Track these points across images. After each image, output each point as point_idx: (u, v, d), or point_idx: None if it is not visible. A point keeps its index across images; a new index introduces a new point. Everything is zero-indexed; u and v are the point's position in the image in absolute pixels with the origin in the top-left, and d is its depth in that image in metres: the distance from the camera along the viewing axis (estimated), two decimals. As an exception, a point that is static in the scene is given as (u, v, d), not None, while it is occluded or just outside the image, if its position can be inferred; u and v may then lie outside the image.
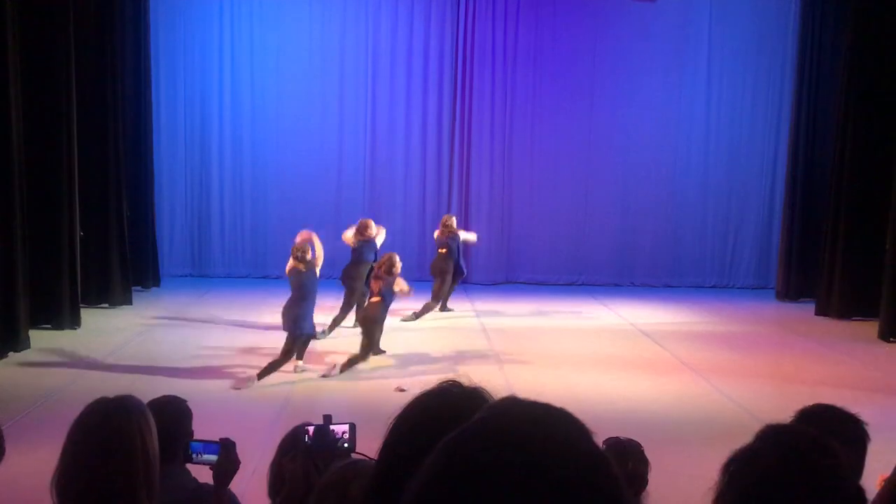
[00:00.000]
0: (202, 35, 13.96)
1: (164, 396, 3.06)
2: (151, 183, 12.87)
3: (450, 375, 1.48)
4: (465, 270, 11.48)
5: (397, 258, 8.39)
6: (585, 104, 14.31)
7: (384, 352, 8.75)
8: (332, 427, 2.66)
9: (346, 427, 2.69)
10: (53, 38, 9.38)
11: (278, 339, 9.39)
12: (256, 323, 10.38)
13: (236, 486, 2.97)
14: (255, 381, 7.50)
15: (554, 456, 0.83)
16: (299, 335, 7.84)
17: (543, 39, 14.23)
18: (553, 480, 0.81)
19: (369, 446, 2.69)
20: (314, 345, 8.73)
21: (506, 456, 0.83)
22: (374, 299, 8.25)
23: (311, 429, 2.64)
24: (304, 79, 14.03)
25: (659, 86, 14.27)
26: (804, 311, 12.19)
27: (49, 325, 9.46)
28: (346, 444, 2.68)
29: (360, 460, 2.23)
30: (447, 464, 0.85)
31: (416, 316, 10.58)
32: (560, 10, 14.19)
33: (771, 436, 1.74)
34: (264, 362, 8.35)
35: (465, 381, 1.45)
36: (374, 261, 9.32)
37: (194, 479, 2.94)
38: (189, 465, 2.92)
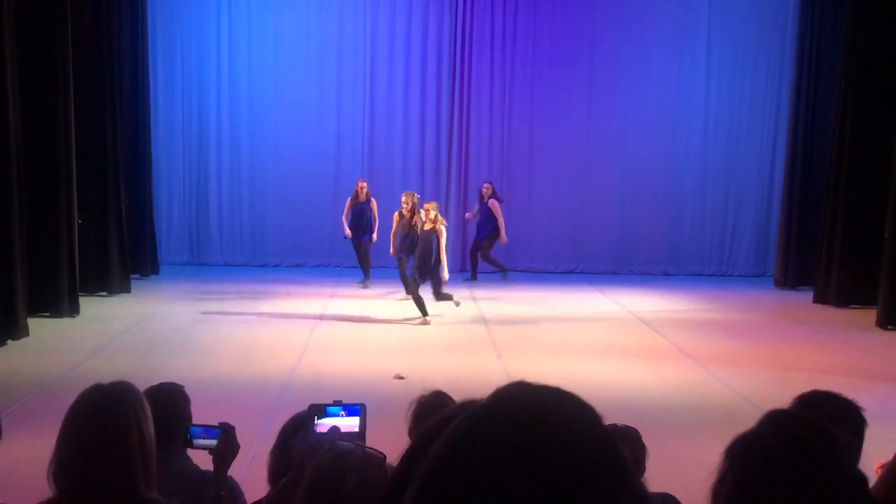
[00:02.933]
0: (200, 21, 13.92)
1: (161, 383, 3.06)
2: (149, 171, 12.85)
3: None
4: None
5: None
6: (584, 92, 14.28)
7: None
8: (341, 428, 2.66)
9: (356, 423, 2.68)
10: (51, 26, 9.34)
11: (276, 328, 9.41)
12: (254, 310, 10.39)
13: (235, 472, 2.98)
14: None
15: (563, 438, 0.83)
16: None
17: (542, 28, 14.18)
18: (562, 463, 0.82)
19: (368, 434, 2.70)
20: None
21: (515, 438, 0.83)
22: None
23: (323, 429, 2.63)
24: (302, 66, 13.99)
25: (658, 74, 14.23)
26: (802, 299, 12.20)
27: (48, 313, 9.46)
28: (355, 430, 2.67)
29: (353, 451, 2.23)
30: (456, 446, 0.85)
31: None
32: (559, 1, 14.13)
33: (773, 421, 1.74)
34: (264, 351, 8.38)
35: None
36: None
37: (195, 466, 2.94)
38: (189, 452, 2.92)
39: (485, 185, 13.00)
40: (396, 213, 10.88)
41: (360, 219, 12.18)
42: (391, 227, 11.12)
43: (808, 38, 13.03)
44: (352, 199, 12.26)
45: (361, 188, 12.24)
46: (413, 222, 10.47)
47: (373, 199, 12.22)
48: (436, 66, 14.17)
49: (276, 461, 2.82)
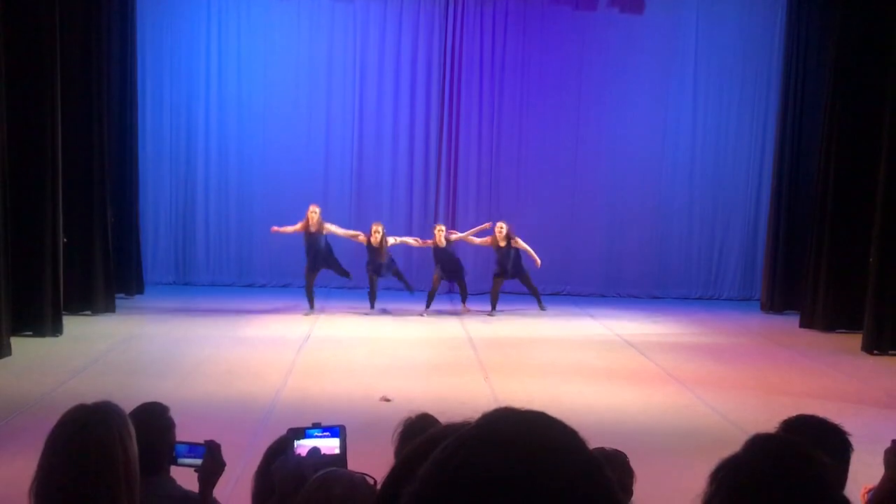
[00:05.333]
0: (189, 38, 13.92)
1: (145, 403, 3.04)
2: (136, 189, 12.81)
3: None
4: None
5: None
6: (572, 115, 14.37)
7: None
8: (321, 449, 2.64)
9: (336, 444, 2.67)
10: (39, 41, 9.32)
11: (262, 348, 9.37)
12: (240, 331, 10.34)
13: (221, 492, 2.95)
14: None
15: (549, 461, 0.84)
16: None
17: (531, 50, 14.29)
18: (548, 485, 0.82)
19: (353, 456, 2.68)
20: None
21: (502, 461, 0.83)
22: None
23: (303, 451, 2.62)
24: (291, 86, 14.02)
25: (645, 98, 14.35)
26: (789, 323, 12.24)
27: (30, 333, 9.36)
28: (336, 451, 2.66)
29: (342, 469, 2.22)
30: (443, 469, 0.86)
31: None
32: (548, 21, 14.25)
33: (758, 445, 1.75)
34: (249, 372, 8.33)
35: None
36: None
37: (179, 487, 2.92)
38: (174, 470, 2.90)
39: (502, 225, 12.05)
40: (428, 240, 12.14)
41: (317, 246, 11.57)
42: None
43: (794, 62, 13.16)
44: (303, 226, 11.55)
45: (313, 213, 11.50)
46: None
47: (328, 226, 11.62)
48: (425, 87, 14.23)
49: (261, 483, 2.80)
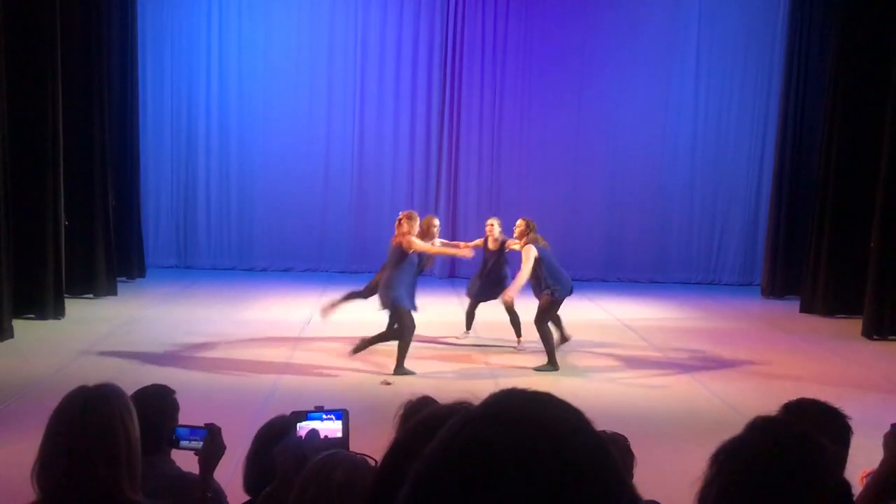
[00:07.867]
0: (190, 23, 13.88)
1: (150, 385, 3.05)
2: (137, 173, 12.80)
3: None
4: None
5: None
6: (574, 100, 14.32)
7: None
8: (321, 431, 2.65)
9: (339, 428, 2.68)
10: (39, 26, 9.29)
11: (263, 332, 9.38)
12: (242, 314, 10.35)
13: (221, 474, 2.97)
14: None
15: (556, 439, 0.85)
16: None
17: (533, 35, 14.23)
18: (555, 462, 0.83)
19: (354, 439, 2.69)
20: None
21: (510, 439, 0.84)
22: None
23: (303, 432, 2.63)
24: (293, 70, 13.98)
25: (647, 83, 14.30)
26: (789, 308, 12.25)
27: (33, 315, 9.39)
28: (338, 434, 2.68)
29: (342, 451, 2.24)
30: (450, 446, 0.86)
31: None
32: (550, 6, 14.19)
33: (759, 428, 1.76)
34: (250, 355, 8.34)
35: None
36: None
37: (178, 468, 2.94)
38: (175, 453, 2.91)
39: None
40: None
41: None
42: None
43: (797, 48, 13.11)
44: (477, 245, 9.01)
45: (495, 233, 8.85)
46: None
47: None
48: (426, 71, 14.19)
49: (252, 468, 2.81)
